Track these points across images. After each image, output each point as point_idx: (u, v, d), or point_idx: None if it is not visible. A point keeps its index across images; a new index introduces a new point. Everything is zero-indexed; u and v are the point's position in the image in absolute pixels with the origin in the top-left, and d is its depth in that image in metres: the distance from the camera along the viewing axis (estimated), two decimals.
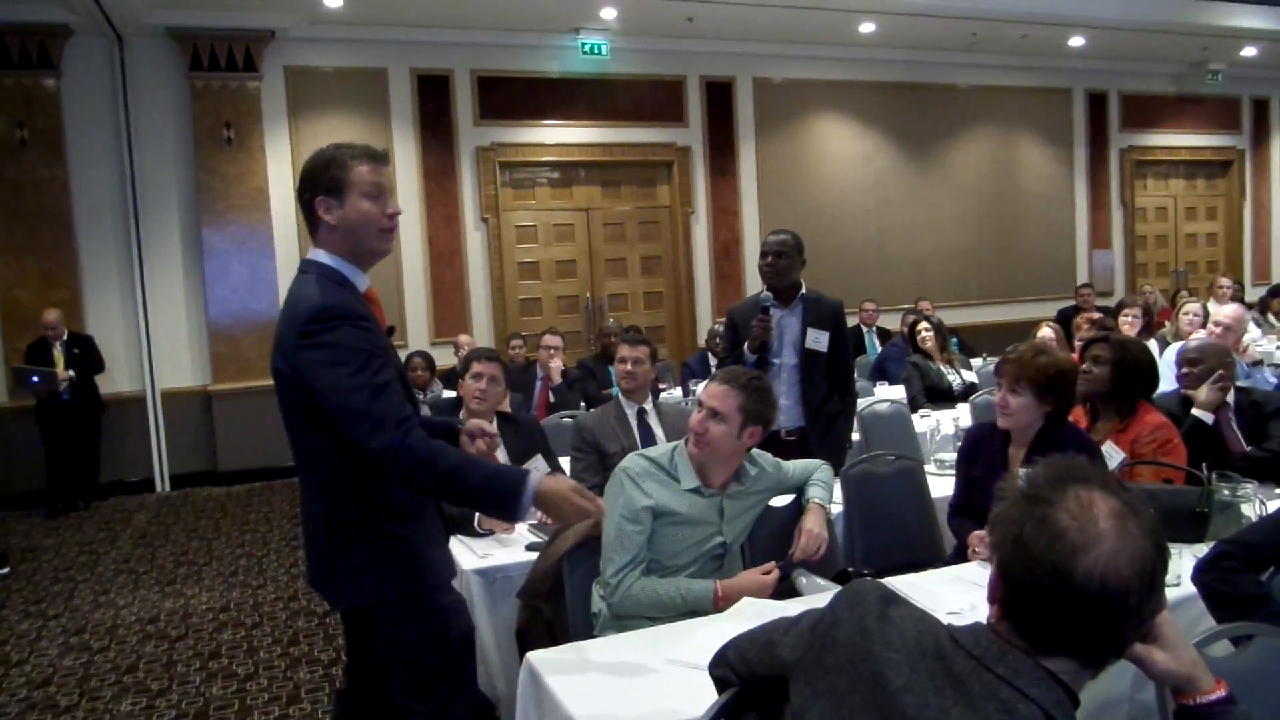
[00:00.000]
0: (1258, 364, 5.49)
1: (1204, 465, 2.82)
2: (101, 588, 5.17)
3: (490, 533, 3.12)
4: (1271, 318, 8.80)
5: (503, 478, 1.96)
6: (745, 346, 3.82)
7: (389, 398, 1.93)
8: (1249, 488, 2.64)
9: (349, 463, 1.97)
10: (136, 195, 7.46)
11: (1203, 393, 3.44)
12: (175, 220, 7.60)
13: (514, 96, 8.62)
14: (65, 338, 6.97)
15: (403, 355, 6.86)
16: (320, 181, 2.04)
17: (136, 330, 7.53)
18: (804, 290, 3.88)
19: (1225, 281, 8.18)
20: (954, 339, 6.56)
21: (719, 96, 9.40)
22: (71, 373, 6.91)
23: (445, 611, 2.10)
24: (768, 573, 2.43)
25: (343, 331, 1.94)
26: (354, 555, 2.02)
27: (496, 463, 2.13)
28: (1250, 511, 2.59)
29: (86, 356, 7.06)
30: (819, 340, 3.81)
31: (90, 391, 7.10)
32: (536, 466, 3.46)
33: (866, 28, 9.03)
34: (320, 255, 2.08)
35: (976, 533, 2.70)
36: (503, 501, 1.95)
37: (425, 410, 5.78)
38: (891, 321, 9.02)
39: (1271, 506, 2.48)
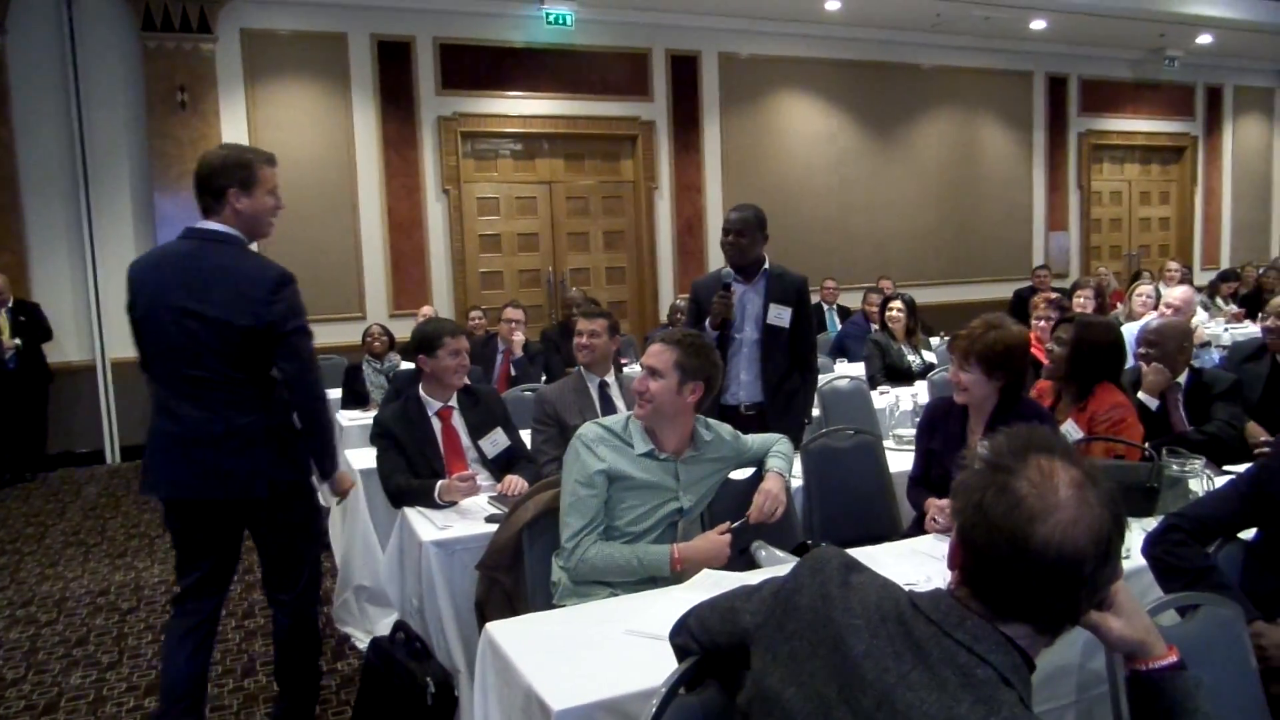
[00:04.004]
0: (1205, 345, 5.62)
1: (1147, 445, 2.88)
2: (49, 560, 5.06)
3: (451, 504, 3.10)
4: (1220, 301, 9.00)
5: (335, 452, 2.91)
6: (707, 322, 3.81)
7: (313, 347, 2.72)
8: (1197, 464, 2.70)
9: (268, 387, 2.70)
10: (86, 159, 7.25)
11: (1148, 376, 3.51)
12: (126, 185, 7.40)
13: (477, 66, 8.50)
14: (10, 305, 6.79)
15: (361, 327, 6.78)
16: (236, 176, 2.66)
17: (86, 298, 7.34)
18: (767, 265, 3.88)
19: (1174, 265, 8.34)
20: (918, 321, 6.60)
21: (684, 71, 9.35)
22: (17, 341, 6.74)
23: (315, 493, 2.94)
24: (723, 533, 2.45)
25: (296, 291, 2.69)
26: (272, 451, 2.69)
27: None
28: (1198, 486, 2.64)
29: (33, 324, 6.89)
30: (781, 316, 3.81)
31: (37, 360, 6.92)
32: (495, 440, 3.45)
33: (832, 5, 9.03)
34: (230, 230, 2.68)
35: (934, 500, 2.73)
36: (332, 464, 2.85)
37: (382, 381, 5.73)
38: (852, 300, 9.08)
39: (1218, 482, 2.54)
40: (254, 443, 2.66)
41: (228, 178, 2.65)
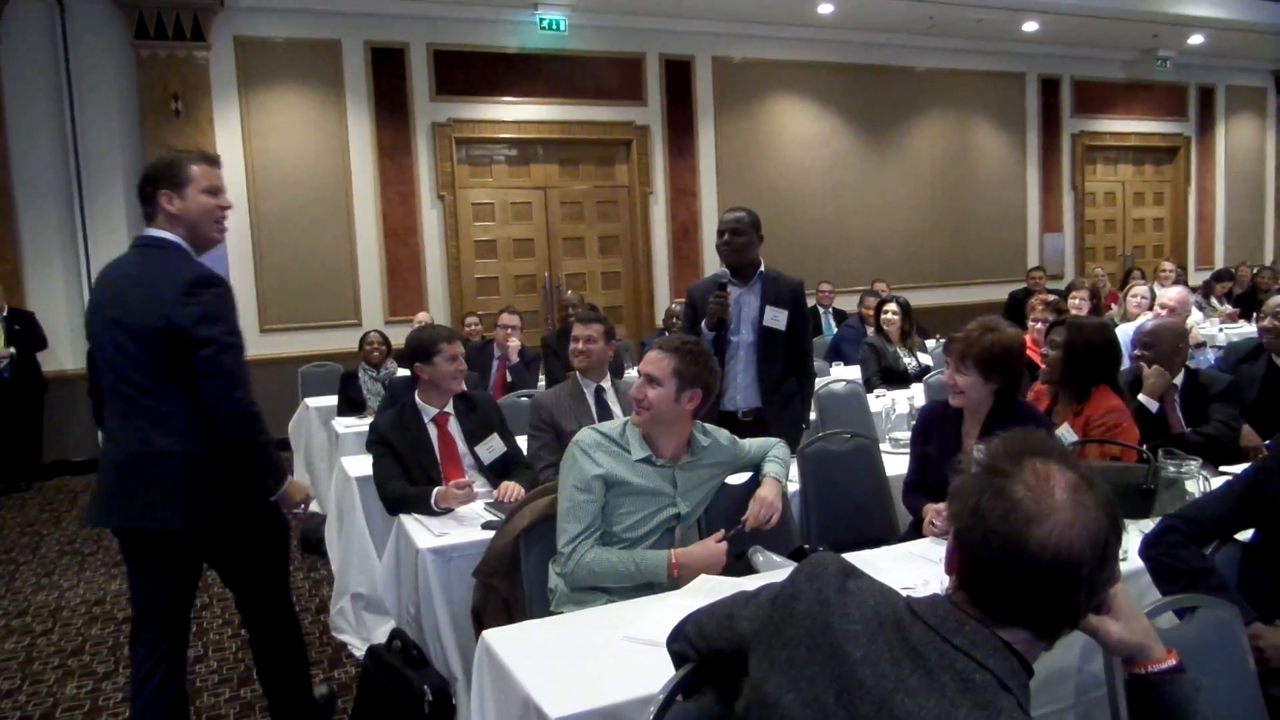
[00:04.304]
0: (1200, 346, 5.63)
1: (1144, 446, 2.88)
2: (45, 569, 5.04)
3: (447, 511, 3.09)
4: (1214, 301, 9.02)
5: (281, 466, 2.62)
6: (703, 324, 3.81)
7: (243, 358, 2.45)
8: (1193, 465, 2.70)
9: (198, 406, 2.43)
10: (80, 167, 7.25)
11: (1150, 379, 3.50)
12: (121, 194, 7.38)
13: (471, 72, 8.50)
14: (5, 314, 6.78)
15: (357, 333, 6.76)
16: (164, 177, 2.50)
17: (80, 306, 7.31)
18: (763, 269, 3.88)
19: (1168, 266, 8.36)
20: (913, 324, 6.60)
21: (678, 75, 9.36)
22: (12, 350, 6.73)
23: (280, 529, 2.72)
24: (720, 540, 2.44)
25: (218, 296, 2.42)
26: (196, 480, 2.44)
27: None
28: (1194, 488, 2.64)
29: (28, 333, 6.87)
30: (777, 319, 3.81)
31: (32, 369, 6.91)
32: (491, 446, 3.44)
33: (825, 9, 9.05)
34: (168, 235, 2.50)
35: (931, 505, 2.72)
36: (276, 480, 2.59)
37: (379, 389, 5.72)
38: (847, 303, 9.09)
39: (1215, 483, 2.54)
40: (174, 469, 2.42)
41: (156, 181, 2.51)
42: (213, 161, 2.58)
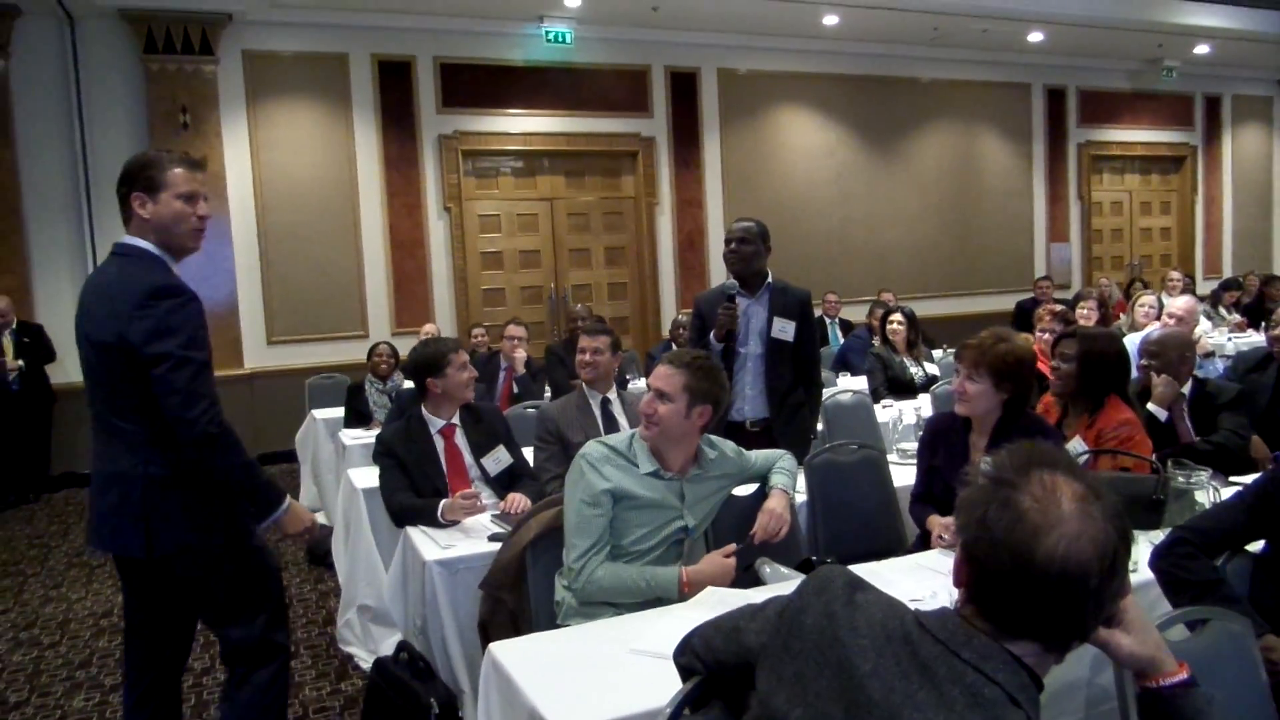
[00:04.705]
0: (1209, 355, 5.61)
1: (1154, 456, 2.87)
2: (53, 582, 5.05)
3: (454, 523, 3.09)
4: (1223, 310, 8.98)
5: (272, 490, 2.37)
6: (711, 335, 3.81)
7: (207, 375, 2.24)
8: (1203, 475, 2.69)
9: (165, 425, 2.23)
10: (89, 180, 7.28)
11: (1158, 388, 3.49)
12: None
13: (477, 84, 8.53)
14: (14, 326, 6.80)
15: (364, 345, 6.78)
16: (138, 179, 2.32)
17: None
18: (770, 279, 3.88)
19: (1176, 275, 8.33)
20: (919, 334, 6.59)
21: (683, 87, 9.39)
22: (21, 362, 6.75)
23: (251, 555, 2.42)
24: (729, 555, 2.43)
25: (177, 307, 2.22)
26: (153, 504, 2.26)
27: (270, 477, 2.41)
28: (1204, 499, 2.63)
29: (37, 345, 6.90)
30: (785, 329, 3.80)
31: (41, 381, 6.93)
32: (498, 458, 3.44)
33: (830, 20, 9.07)
34: (140, 243, 2.33)
35: (938, 518, 2.71)
36: (263, 506, 2.36)
37: (385, 400, 5.72)
38: (853, 313, 9.08)
39: (1225, 494, 2.53)
40: (134, 492, 2.27)
41: (131, 181, 2.33)
42: (195, 166, 2.39)
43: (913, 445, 3.80)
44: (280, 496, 2.37)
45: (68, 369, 7.25)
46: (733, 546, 2.47)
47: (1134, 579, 2.23)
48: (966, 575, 1.16)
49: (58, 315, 7.25)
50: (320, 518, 5.78)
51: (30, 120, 7.15)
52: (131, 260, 2.30)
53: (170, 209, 2.31)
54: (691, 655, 1.46)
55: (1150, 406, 3.48)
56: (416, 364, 3.45)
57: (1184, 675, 1.30)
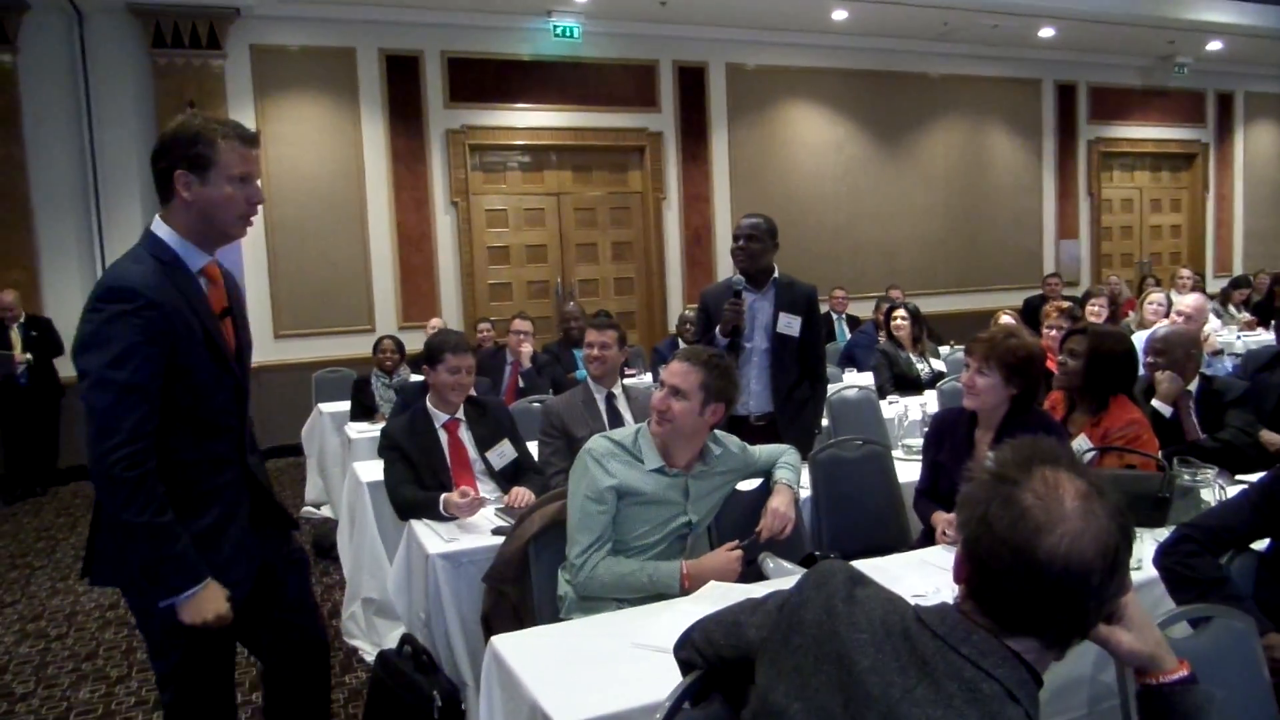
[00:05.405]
0: (1218, 353, 5.58)
1: (1160, 453, 2.86)
2: (60, 574, 5.08)
3: (454, 517, 3.09)
4: (1232, 308, 8.94)
5: (182, 569, 1.90)
6: (717, 329, 3.81)
7: (133, 403, 1.84)
8: (1209, 473, 2.68)
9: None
10: (97, 175, 7.31)
11: (1162, 384, 3.48)
12: (137, 201, 7.43)
13: (485, 79, 8.53)
14: (22, 320, 6.83)
15: (371, 339, 6.79)
16: (185, 155, 1.94)
17: None
18: (776, 275, 3.87)
19: (1185, 272, 8.27)
20: (924, 328, 6.58)
21: (691, 82, 9.37)
22: (29, 355, 6.77)
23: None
24: (733, 550, 2.43)
25: (117, 316, 1.85)
26: (109, 539, 1.99)
27: (188, 549, 1.92)
28: (1210, 496, 2.63)
29: (45, 339, 6.92)
30: (791, 325, 3.80)
31: (49, 375, 6.95)
32: (502, 452, 3.45)
33: (839, 15, 9.04)
34: (160, 229, 1.99)
35: (943, 515, 2.71)
36: (158, 586, 1.91)
37: (391, 394, 5.73)
38: (861, 309, 9.06)
39: (1231, 492, 2.52)
40: (96, 513, 2.04)
41: (173, 157, 1.95)
42: (250, 141, 2.03)
43: (918, 441, 3.80)
44: (190, 580, 1.91)
45: None
46: (737, 543, 2.47)
47: (1138, 576, 2.23)
48: (967, 571, 1.16)
49: (66, 309, 7.27)
50: (326, 511, 5.81)
51: (38, 115, 7.18)
52: (134, 251, 2.00)
53: (220, 192, 1.97)
54: (692, 649, 1.46)
55: (1155, 403, 3.47)
56: (425, 348, 3.49)
57: (1184, 672, 1.29)
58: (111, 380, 1.83)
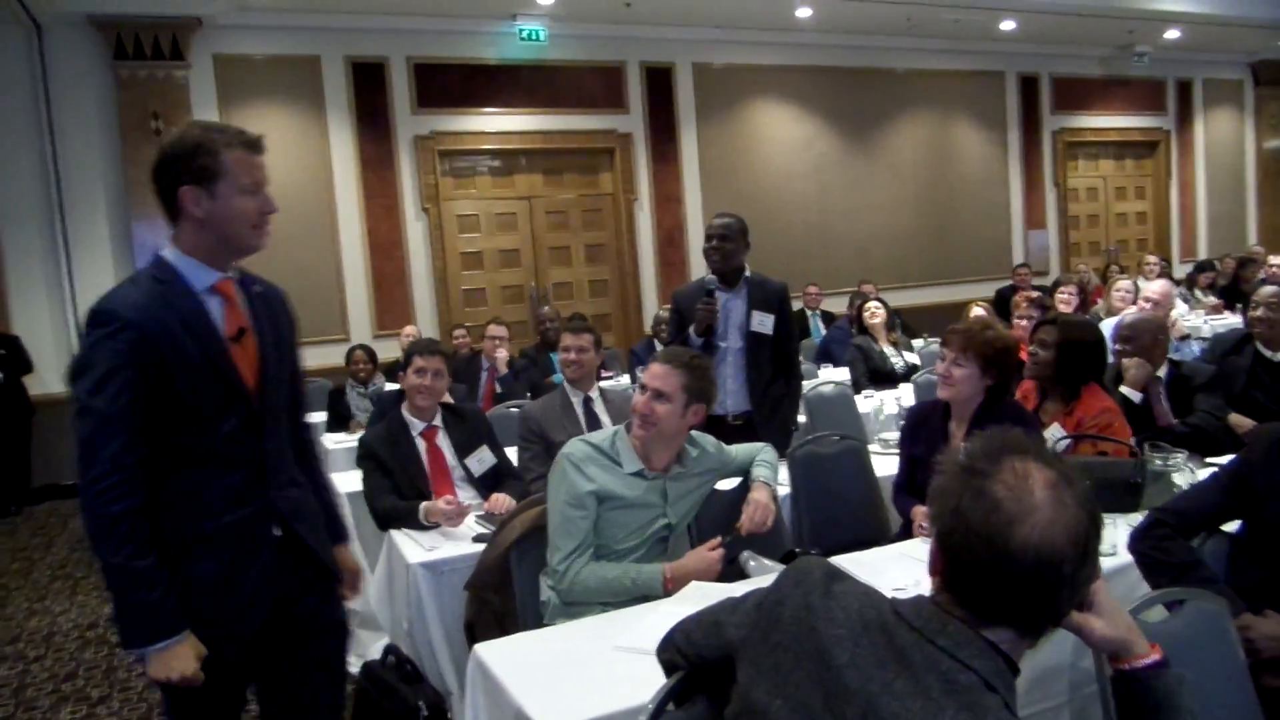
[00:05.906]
0: (1185, 338, 5.66)
1: (1132, 439, 2.90)
2: (37, 594, 5.01)
3: (437, 525, 3.08)
4: (1198, 293, 9.07)
5: (155, 618, 1.74)
6: (691, 330, 3.82)
7: (112, 432, 1.72)
8: (1180, 458, 2.72)
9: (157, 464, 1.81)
10: (61, 189, 7.21)
11: (1130, 370, 3.52)
12: (103, 214, 7.35)
13: (452, 84, 8.51)
14: None
15: (344, 348, 6.74)
16: (188, 168, 1.82)
17: (66, 329, 7.28)
18: (748, 273, 3.89)
19: (1152, 259, 8.39)
20: (897, 319, 6.64)
21: (659, 82, 9.38)
22: None
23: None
24: (714, 548, 2.44)
25: (101, 339, 1.74)
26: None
27: (166, 598, 1.76)
28: (1182, 480, 2.66)
29: (13, 357, 6.83)
30: (764, 323, 3.82)
31: (19, 393, 6.86)
32: (481, 459, 3.44)
33: (804, 12, 9.07)
34: (167, 253, 1.86)
35: (920, 508, 2.73)
36: (126, 633, 1.77)
37: (367, 404, 5.70)
38: (835, 305, 9.11)
39: (1201, 475, 2.55)
40: None
41: (175, 172, 1.83)
42: (255, 146, 1.91)
43: (894, 435, 3.82)
44: (160, 633, 1.74)
45: (46, 380, 7.18)
46: (718, 540, 2.48)
47: (1113, 562, 2.26)
48: (942, 564, 1.17)
49: (34, 327, 7.18)
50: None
51: None
52: (134, 273, 1.90)
53: (232, 206, 1.85)
54: (674, 650, 1.47)
55: (1124, 389, 3.51)
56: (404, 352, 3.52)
57: (1156, 657, 1.32)
58: (91, 408, 1.72)
